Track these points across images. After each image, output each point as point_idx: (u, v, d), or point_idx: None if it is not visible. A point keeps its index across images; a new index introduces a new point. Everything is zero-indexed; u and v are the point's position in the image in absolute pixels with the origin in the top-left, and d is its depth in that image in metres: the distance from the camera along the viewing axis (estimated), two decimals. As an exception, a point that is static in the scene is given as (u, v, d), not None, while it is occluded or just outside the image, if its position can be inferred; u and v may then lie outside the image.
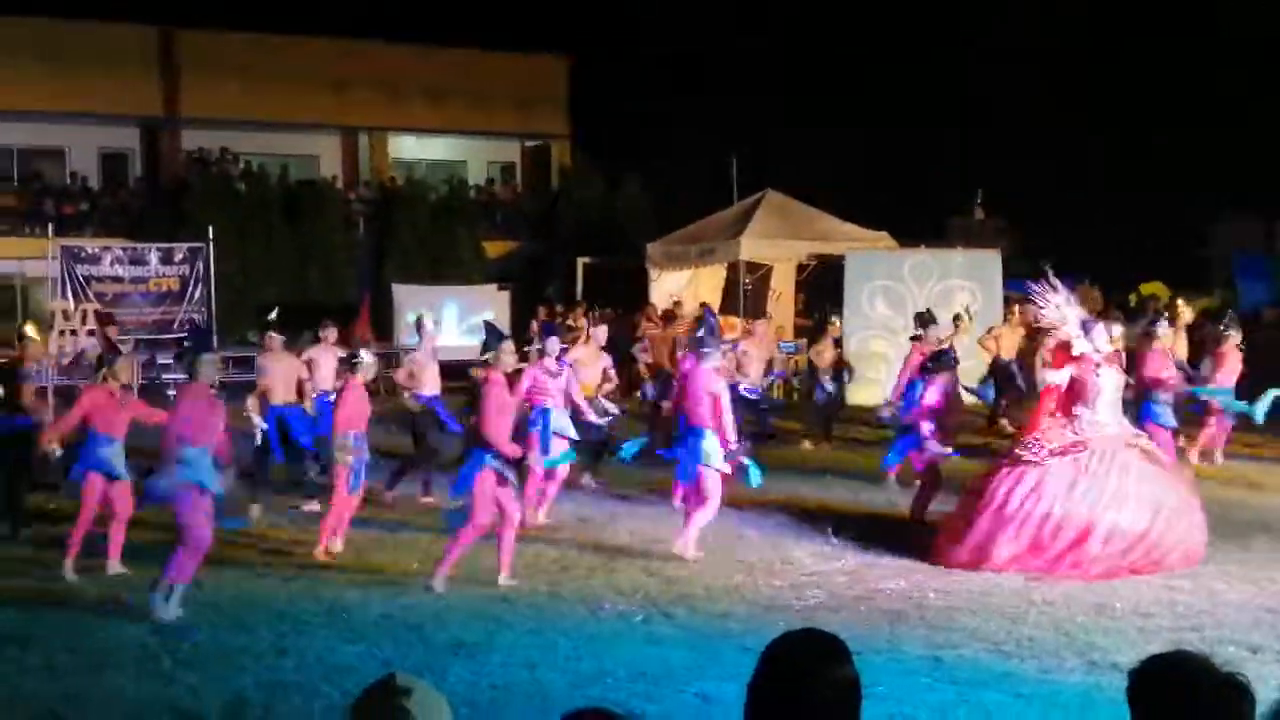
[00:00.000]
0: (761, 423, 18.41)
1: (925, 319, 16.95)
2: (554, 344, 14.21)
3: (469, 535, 11.08)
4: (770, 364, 18.99)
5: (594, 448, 15.95)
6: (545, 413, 13.73)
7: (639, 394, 21.24)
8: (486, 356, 11.56)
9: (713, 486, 12.24)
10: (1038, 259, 19.85)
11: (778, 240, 27.44)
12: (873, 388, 22.05)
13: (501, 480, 11.08)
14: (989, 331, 21.22)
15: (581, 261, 32.21)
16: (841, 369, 20.55)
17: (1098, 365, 12.08)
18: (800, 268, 28.92)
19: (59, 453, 12.24)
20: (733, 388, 16.60)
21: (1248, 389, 17.29)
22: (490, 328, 11.95)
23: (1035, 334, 20.90)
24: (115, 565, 11.76)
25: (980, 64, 42.48)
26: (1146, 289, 28.96)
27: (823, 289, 27.59)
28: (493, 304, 29.81)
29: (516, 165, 41.61)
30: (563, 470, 14.20)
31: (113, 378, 11.84)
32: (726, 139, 33.75)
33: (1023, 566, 11.45)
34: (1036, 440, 11.98)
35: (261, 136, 36.33)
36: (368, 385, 13.26)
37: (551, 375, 13.88)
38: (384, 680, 3.15)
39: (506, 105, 38.48)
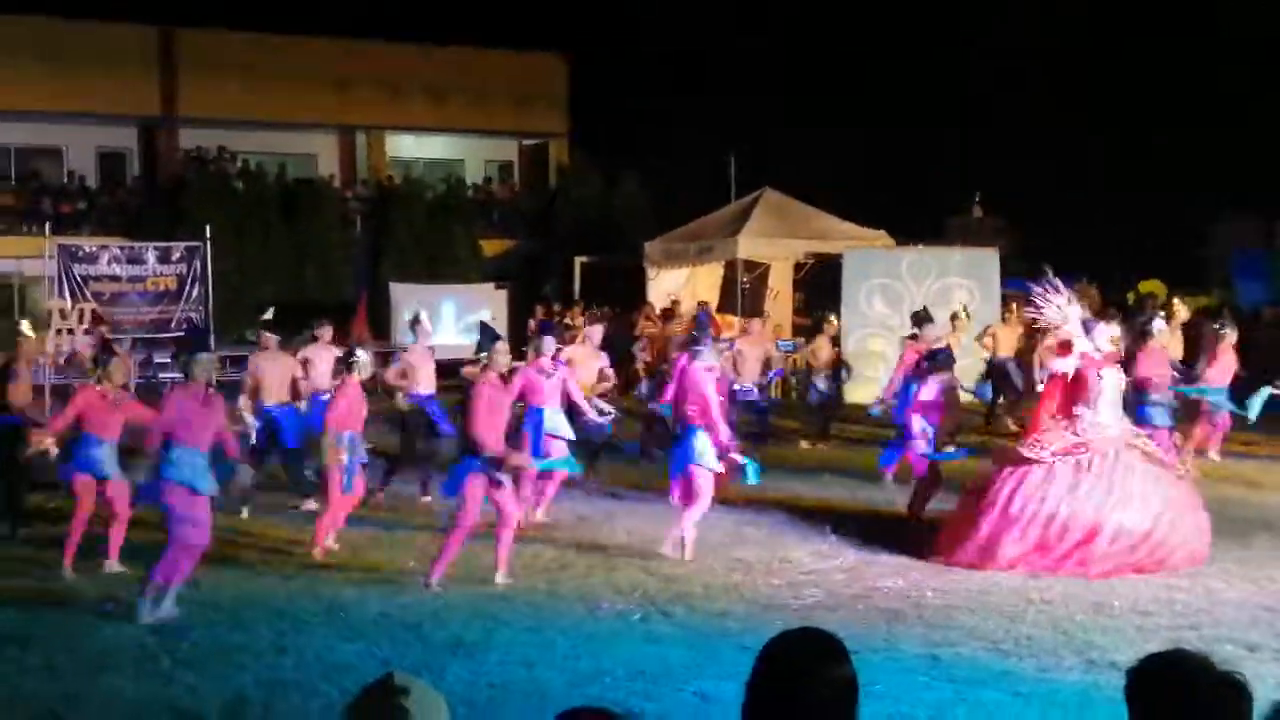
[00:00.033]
0: (760, 422, 18.40)
1: (921, 317, 16.91)
2: (549, 344, 14.19)
3: (458, 537, 11.07)
4: (768, 363, 18.97)
5: (593, 447, 15.95)
6: (539, 413, 13.74)
7: (636, 392, 21.23)
8: (481, 357, 11.54)
9: (703, 486, 12.22)
10: (1037, 258, 19.88)
11: (775, 239, 27.45)
12: (871, 386, 22.01)
13: (495, 482, 11.07)
14: (986, 330, 21.23)
15: (579, 260, 32.21)
16: (839, 368, 20.54)
17: (1099, 365, 12.08)
18: (798, 266, 28.92)
19: (55, 452, 12.21)
20: (729, 387, 16.67)
21: (1245, 387, 17.32)
22: (485, 328, 11.92)
23: (1033, 333, 20.95)
24: (114, 564, 11.74)
25: (980, 64, 42.48)
26: (1145, 287, 28.96)
27: (820, 287, 27.58)
28: (490, 303, 29.81)
29: (514, 164, 41.61)
30: (561, 471, 14.19)
31: (107, 379, 11.81)
32: (726, 138, 33.77)
33: (1029, 567, 11.44)
34: (1038, 441, 11.97)
35: (259, 135, 36.32)
36: (365, 384, 13.25)
37: (545, 375, 13.86)
38: (382, 679, 3.15)
39: (505, 104, 38.48)
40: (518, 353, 14.08)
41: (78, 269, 26.14)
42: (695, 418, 12.22)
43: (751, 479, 12.68)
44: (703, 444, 12.15)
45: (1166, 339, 16.66)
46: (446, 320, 28.47)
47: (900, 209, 31.64)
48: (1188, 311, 20.59)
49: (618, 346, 21.84)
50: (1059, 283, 12.57)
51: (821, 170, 35.14)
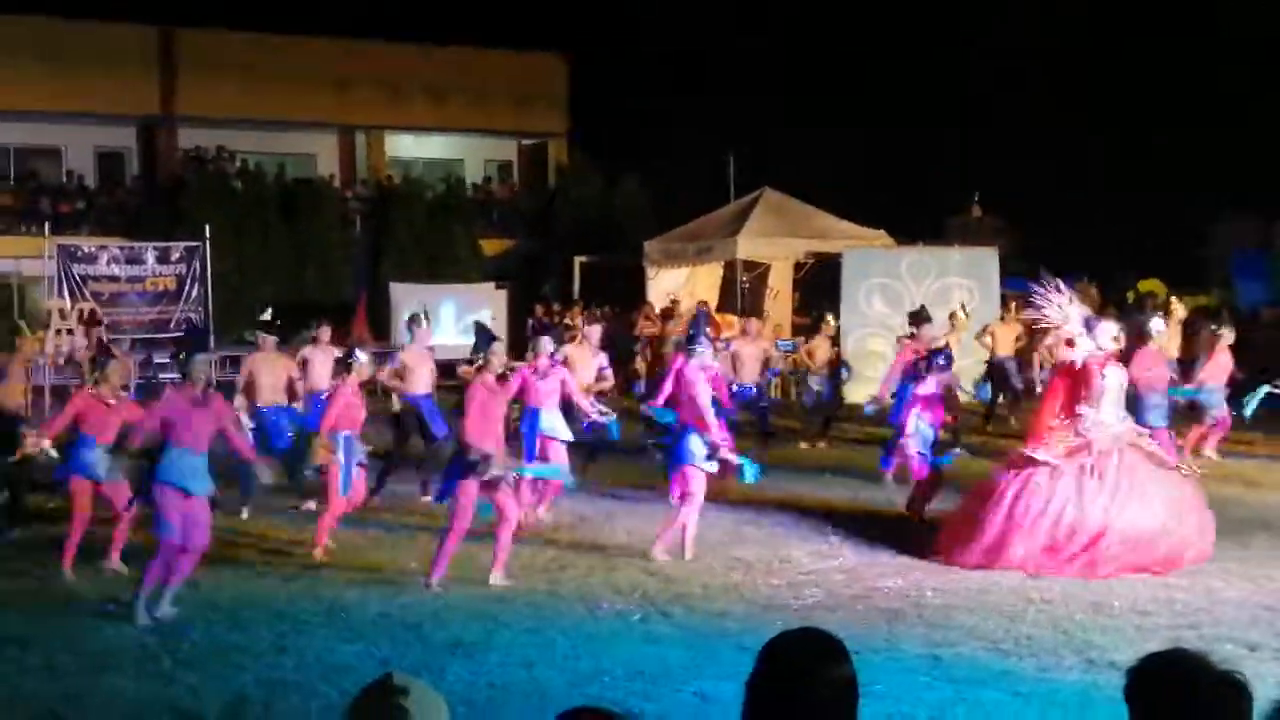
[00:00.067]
0: (761, 422, 18.39)
1: (919, 317, 16.91)
2: (545, 344, 14.21)
3: (454, 538, 11.07)
4: (767, 362, 18.95)
5: (592, 448, 15.96)
6: (534, 414, 13.76)
7: (634, 392, 21.22)
8: (477, 359, 11.52)
9: (695, 486, 12.20)
10: (1037, 258, 19.92)
11: (775, 238, 27.45)
12: (870, 386, 21.89)
13: (491, 483, 11.08)
14: (985, 329, 21.24)
15: (579, 260, 32.21)
16: (838, 367, 20.53)
17: (1103, 363, 12.08)
18: (798, 266, 28.91)
19: (53, 454, 12.20)
20: (728, 386, 16.67)
21: (1242, 387, 17.35)
22: (481, 329, 11.89)
23: (1033, 333, 20.95)
24: (115, 564, 11.75)
25: (980, 64, 42.47)
26: (1144, 287, 28.99)
27: (820, 287, 27.59)
28: (490, 302, 29.81)
29: (514, 164, 41.60)
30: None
31: (104, 381, 11.78)
32: (725, 138, 33.78)
33: (1037, 568, 11.40)
34: (1042, 444, 11.96)
35: (258, 135, 36.32)
36: (364, 385, 13.25)
37: (541, 376, 13.87)
38: (382, 679, 3.15)
39: (505, 103, 38.48)
40: (518, 353, 14.08)
41: (77, 269, 26.18)
42: (688, 418, 12.22)
43: (749, 478, 12.67)
44: (696, 445, 12.14)
45: (1165, 340, 16.68)
46: (446, 320, 28.44)
47: (900, 209, 31.64)
48: (1185, 310, 20.61)
49: (618, 346, 21.84)
50: (1059, 282, 12.57)
51: (821, 170, 35.14)
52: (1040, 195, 38.80)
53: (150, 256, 27.16)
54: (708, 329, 13.10)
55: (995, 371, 20.92)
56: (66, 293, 25.74)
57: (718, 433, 12.21)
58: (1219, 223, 38.10)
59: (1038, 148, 40.49)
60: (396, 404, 15.39)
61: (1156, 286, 28.27)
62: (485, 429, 11.08)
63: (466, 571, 11.32)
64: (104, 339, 18.78)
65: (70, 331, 23.73)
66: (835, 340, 20.94)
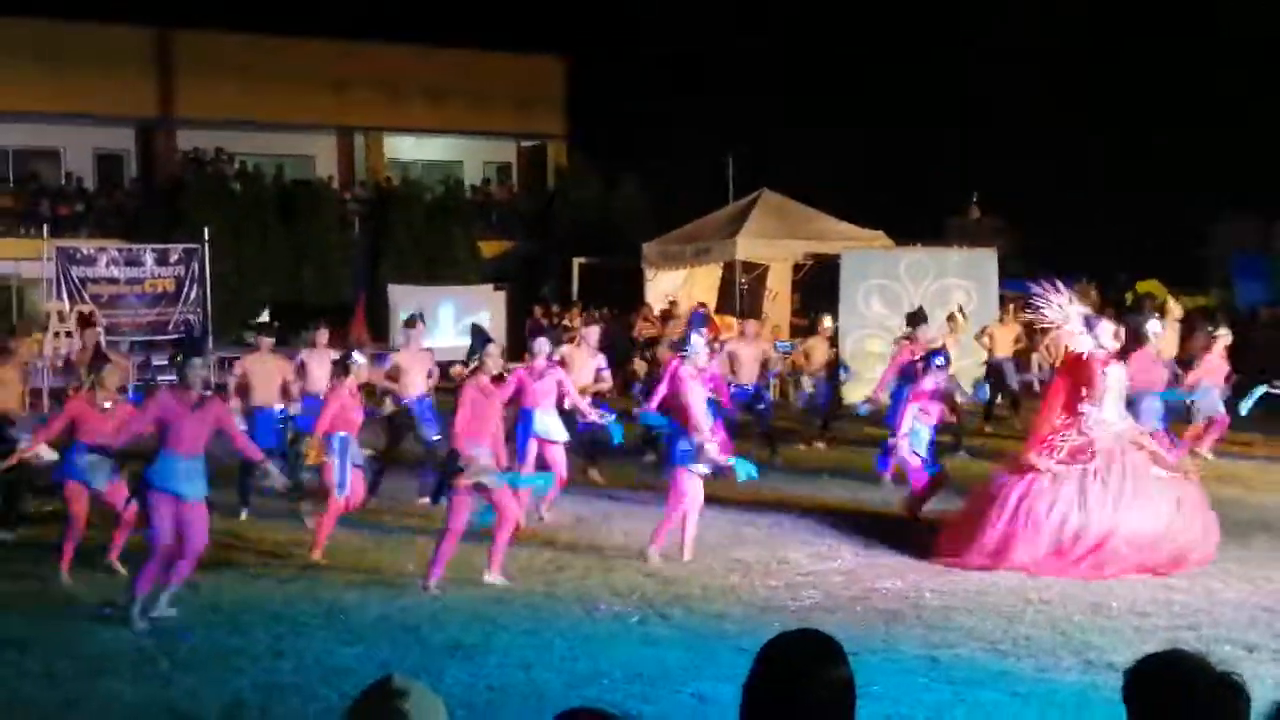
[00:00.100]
0: (760, 423, 18.39)
1: (915, 318, 16.89)
2: (541, 345, 14.22)
3: (450, 540, 11.06)
4: (766, 364, 18.94)
5: (591, 449, 15.96)
6: (529, 415, 13.78)
7: (632, 393, 21.22)
8: (472, 361, 11.50)
9: (686, 488, 12.17)
10: (1036, 258, 19.97)
11: (773, 240, 27.45)
12: (869, 387, 21.98)
13: (485, 486, 11.09)
14: (983, 330, 21.25)
15: (577, 261, 32.22)
16: (836, 369, 20.52)
17: (1104, 361, 12.07)
18: (796, 267, 28.92)
19: (49, 458, 12.17)
20: (726, 387, 16.67)
21: (1240, 387, 17.36)
22: (476, 330, 11.89)
23: (1032, 334, 20.96)
24: (115, 565, 11.74)
25: (980, 64, 42.46)
26: (1143, 288, 29.00)
27: (818, 288, 27.58)
28: (488, 304, 29.84)
29: (513, 165, 41.63)
30: (561, 470, 14.22)
31: (100, 386, 11.75)
32: (724, 139, 33.78)
33: (1041, 570, 11.37)
34: (1045, 444, 11.94)
35: (257, 137, 36.33)
36: (363, 387, 13.23)
37: (537, 377, 13.88)
38: (381, 682, 3.15)
39: (504, 105, 38.50)
40: (518, 355, 14.08)
41: (76, 271, 26.19)
42: (681, 420, 12.20)
43: (743, 476, 12.66)
44: (686, 446, 12.11)
45: (1162, 341, 16.68)
46: (445, 322, 28.48)
47: (899, 209, 31.63)
48: (1181, 309, 20.62)
49: (616, 348, 21.83)
50: (1059, 283, 12.57)
51: (821, 170, 35.15)
52: (1040, 195, 38.78)
53: (149, 258, 27.17)
54: (704, 330, 13.05)
55: (993, 373, 20.92)
56: (65, 295, 25.75)
57: (707, 435, 12.12)
58: (1219, 223, 38.08)
59: (1037, 148, 40.49)
60: (388, 406, 15.34)
61: (1155, 288, 28.27)
62: (478, 430, 11.08)
63: (465, 573, 11.31)
64: (101, 342, 18.71)
65: (69, 334, 23.73)
66: (833, 341, 20.92)
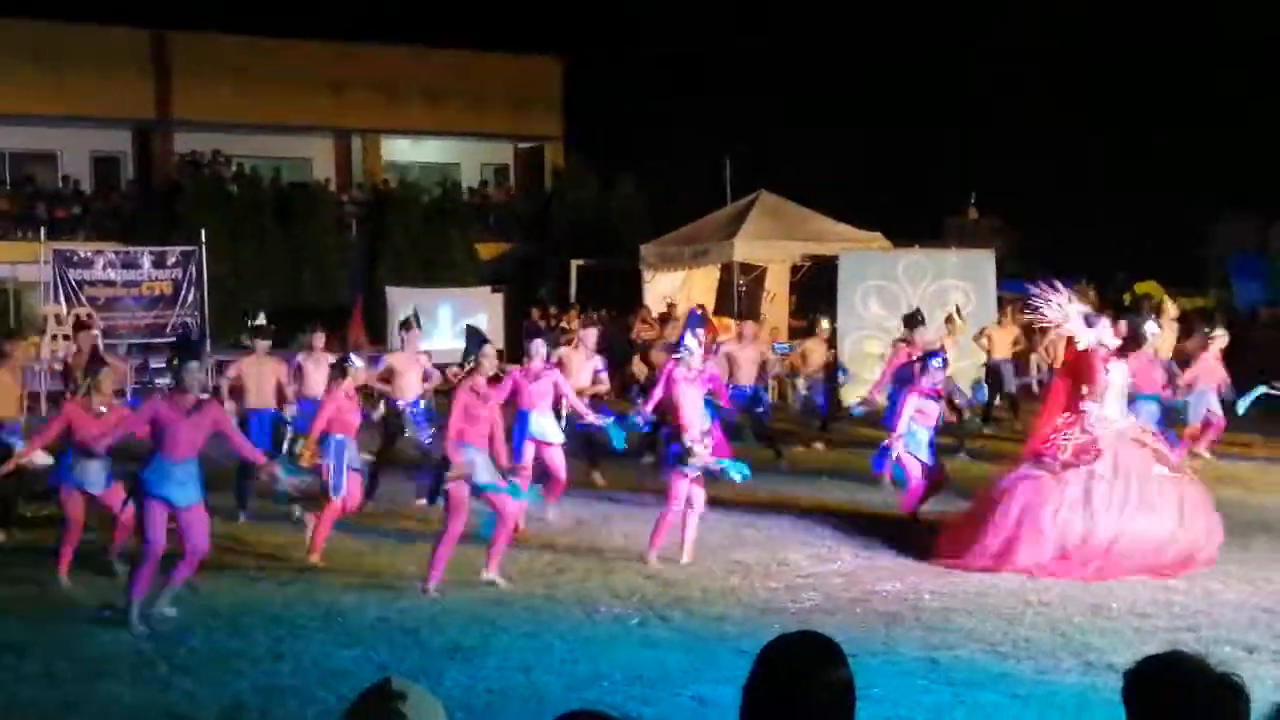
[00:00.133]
0: (760, 425, 18.39)
1: (912, 320, 16.87)
2: (536, 347, 14.23)
3: (447, 542, 11.05)
4: (764, 365, 18.93)
5: (591, 451, 15.96)
6: (524, 417, 13.78)
7: (629, 395, 21.21)
8: (467, 362, 11.48)
9: (676, 489, 12.16)
10: (1036, 258, 19.99)
11: (771, 241, 27.44)
12: (866, 389, 21.99)
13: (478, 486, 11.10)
14: (981, 331, 21.25)
15: (575, 263, 32.21)
16: (834, 370, 20.52)
17: (1106, 359, 12.07)
18: (794, 269, 28.91)
19: (43, 463, 12.15)
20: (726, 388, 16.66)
21: (1238, 388, 17.35)
22: (472, 332, 11.86)
23: (1030, 335, 20.97)
24: (116, 565, 11.73)
25: (980, 64, 42.53)
26: (1141, 289, 29.01)
27: (816, 290, 27.57)
28: (486, 306, 29.83)
29: (510, 167, 41.62)
30: (561, 472, 14.23)
31: (96, 390, 11.72)
32: (723, 139, 33.78)
33: (1044, 572, 11.35)
34: (1049, 446, 11.92)
35: (254, 139, 36.32)
36: (360, 389, 13.22)
37: (532, 379, 13.88)
38: (379, 684, 3.14)
39: (501, 107, 38.48)
40: (516, 357, 14.07)
41: (73, 274, 26.21)
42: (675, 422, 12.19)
43: (739, 479, 12.65)
44: (678, 447, 12.09)
45: (1159, 341, 16.67)
46: (443, 324, 28.47)
47: (899, 209, 31.68)
48: (1177, 309, 20.63)
49: (615, 350, 21.82)
50: (1057, 282, 12.56)
51: (820, 170, 35.21)
52: (1039, 195, 38.85)
53: (146, 261, 27.19)
54: (699, 331, 13.03)
55: (991, 375, 20.92)
56: (63, 298, 25.76)
57: (697, 438, 12.07)
58: (1218, 223, 38.13)
59: (1037, 148, 40.55)
60: (381, 409, 15.30)
61: (1154, 289, 28.29)
62: (470, 432, 11.07)
63: (464, 576, 11.31)
64: (99, 345, 18.66)
65: (66, 337, 23.72)
66: (831, 343, 20.92)
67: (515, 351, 18.49)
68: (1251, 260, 33.93)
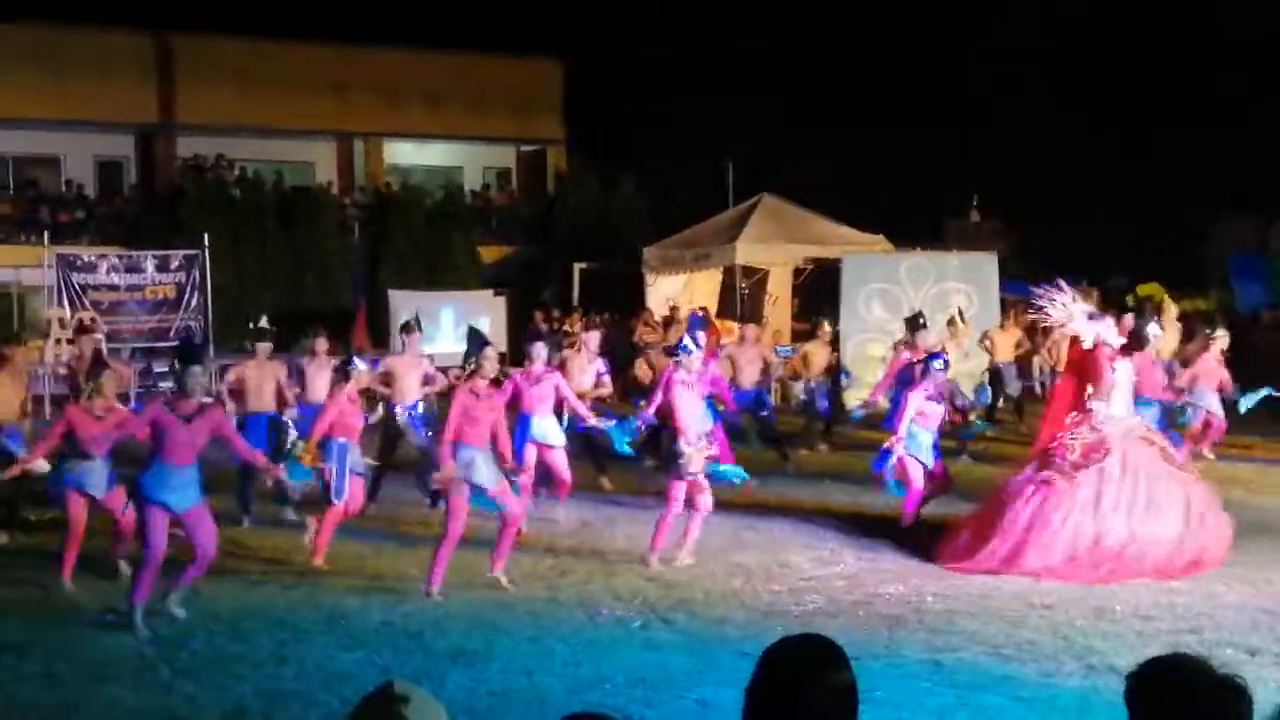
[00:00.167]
0: (765, 429, 18.38)
1: (914, 323, 16.85)
2: (537, 350, 14.23)
3: (448, 544, 11.05)
4: (767, 368, 18.92)
5: (594, 453, 15.96)
6: (526, 420, 13.78)
7: (633, 399, 21.20)
8: (468, 364, 11.48)
9: (673, 493, 12.16)
10: (1036, 259, 19.97)
11: (773, 244, 27.45)
12: (869, 392, 22.02)
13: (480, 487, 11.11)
14: (984, 334, 21.24)
15: (578, 266, 32.21)
16: (837, 373, 20.52)
17: (1112, 357, 12.06)
18: (797, 271, 28.91)
19: (41, 470, 12.15)
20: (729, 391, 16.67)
21: (1242, 389, 17.34)
22: (473, 334, 11.85)
23: (1033, 337, 20.96)
24: (123, 567, 11.74)
25: (980, 64, 42.55)
26: (1144, 290, 29.01)
27: (819, 293, 27.58)
28: (489, 309, 29.82)
29: (512, 170, 41.62)
30: (565, 474, 14.25)
31: (98, 393, 11.72)
32: (725, 139, 33.81)
33: (1052, 575, 11.32)
34: (1058, 448, 11.90)
35: (257, 143, 36.31)
36: (363, 392, 13.22)
37: (533, 382, 13.89)
38: (382, 688, 3.15)
39: (503, 110, 38.48)
40: (519, 360, 14.07)
41: (76, 278, 26.21)
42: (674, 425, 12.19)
43: (735, 481, 12.62)
44: (675, 450, 12.08)
45: (1161, 343, 16.66)
46: (445, 327, 28.46)
47: (899, 210, 31.71)
48: (1176, 309, 20.63)
49: (617, 353, 21.82)
50: (1061, 281, 12.56)
51: (821, 171, 35.24)
52: (1040, 196, 38.88)
53: (149, 265, 27.19)
54: (699, 334, 13.02)
55: (992, 377, 20.91)
56: (66, 302, 25.78)
57: (692, 441, 12.05)
58: (1218, 223, 38.13)
59: (1037, 148, 40.57)
60: (378, 412, 15.29)
61: (1155, 290, 28.28)
62: (470, 433, 11.07)
63: (467, 579, 11.31)
64: (102, 349, 18.64)
65: (70, 341, 23.72)
66: (834, 345, 20.91)
67: (518, 355, 18.49)
68: (1251, 260, 33.93)
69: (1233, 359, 17.97)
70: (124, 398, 13.26)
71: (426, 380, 15.49)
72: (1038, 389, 24.27)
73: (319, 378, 14.72)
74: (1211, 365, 17.44)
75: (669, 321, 26.11)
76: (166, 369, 21.98)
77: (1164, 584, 11.08)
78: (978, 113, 42.21)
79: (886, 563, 12.22)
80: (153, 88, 35.13)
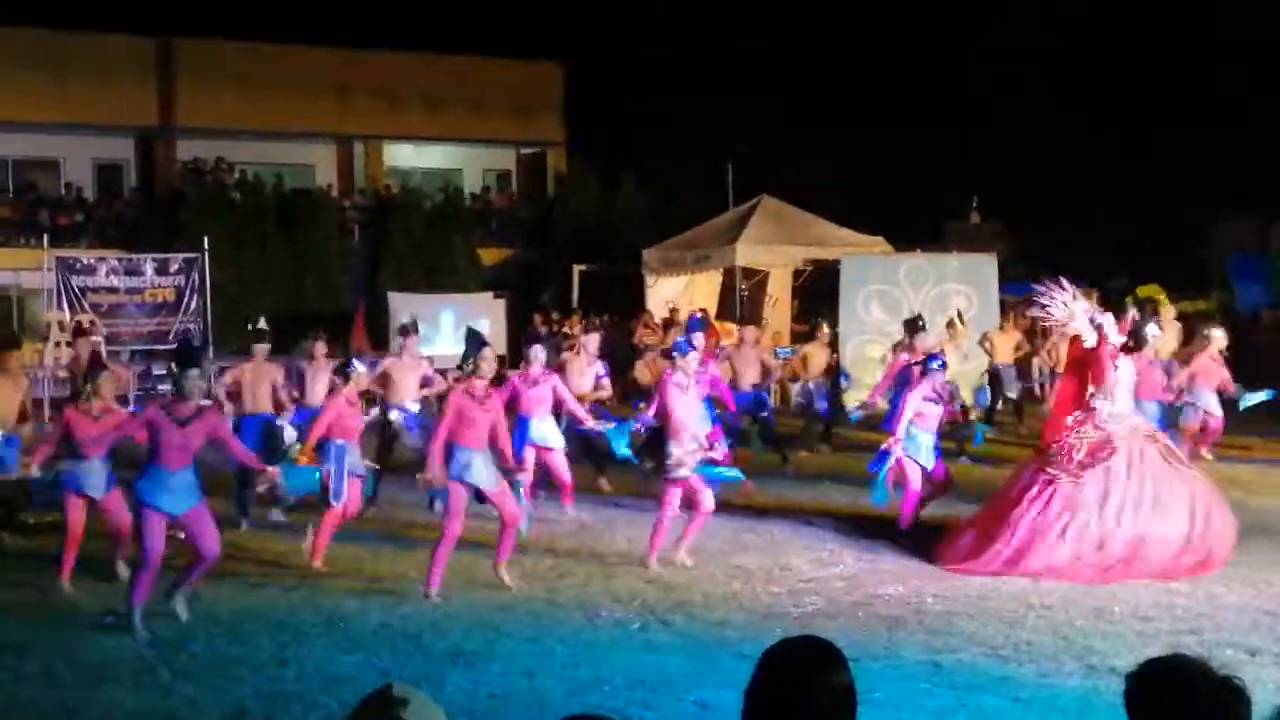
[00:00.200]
0: (765, 430, 18.38)
1: (913, 326, 16.84)
2: (536, 353, 14.23)
3: (446, 546, 11.05)
4: (766, 370, 18.91)
5: (594, 455, 15.96)
6: (524, 423, 13.79)
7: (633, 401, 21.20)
8: (466, 366, 11.47)
9: (668, 495, 12.14)
10: (1036, 260, 19.94)
11: (773, 246, 27.46)
12: (868, 393, 22.01)
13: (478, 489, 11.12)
14: (984, 336, 21.23)
15: (577, 268, 32.22)
16: (836, 375, 20.50)
17: (1115, 355, 12.06)
18: (796, 273, 28.92)
19: (37, 473, 12.15)
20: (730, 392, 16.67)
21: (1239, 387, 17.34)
22: (472, 335, 11.84)
23: (1033, 339, 20.96)
24: (122, 569, 11.74)
25: (980, 64, 42.56)
26: (1144, 292, 28.97)
27: (818, 294, 27.59)
28: (488, 312, 29.82)
29: (512, 173, 41.63)
30: (565, 475, 14.26)
31: (96, 395, 11.72)
32: (725, 139, 33.82)
33: (1058, 576, 11.31)
34: (1063, 448, 11.89)
35: (256, 145, 36.33)
36: (363, 395, 13.22)
37: (531, 385, 13.89)
38: (381, 690, 3.15)
39: (503, 112, 38.50)
40: (519, 363, 14.08)
41: (76, 281, 26.21)
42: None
43: (729, 479, 12.62)
44: (670, 451, 12.06)
45: (1160, 344, 16.66)
46: (445, 329, 28.46)
47: (899, 210, 31.72)
48: (1174, 310, 20.64)
49: (617, 355, 21.81)
50: (1063, 280, 12.56)
51: (821, 171, 35.25)
52: (1040, 196, 38.88)
53: (149, 268, 27.18)
54: (698, 335, 13.01)
55: (992, 379, 20.90)
56: (65, 305, 25.77)
57: (686, 444, 12.04)
58: (1218, 223, 38.13)
59: (1037, 148, 40.58)
60: (373, 413, 15.28)
61: (1155, 291, 28.24)
62: (467, 435, 11.06)
63: (467, 581, 11.31)
64: (101, 352, 18.64)
65: (69, 344, 23.72)
66: (833, 347, 20.90)
67: (518, 357, 18.47)
68: (1251, 261, 33.92)
69: (1233, 359, 17.96)
70: (123, 400, 13.24)
71: (425, 382, 15.50)
72: (1037, 391, 24.26)
73: (318, 381, 14.71)
74: (1209, 365, 17.42)
75: (669, 323, 26.11)
76: (165, 372, 21.97)
77: (1163, 585, 11.06)
78: (978, 113, 42.23)
79: (886, 564, 12.21)
80: (152, 90, 35.15)
